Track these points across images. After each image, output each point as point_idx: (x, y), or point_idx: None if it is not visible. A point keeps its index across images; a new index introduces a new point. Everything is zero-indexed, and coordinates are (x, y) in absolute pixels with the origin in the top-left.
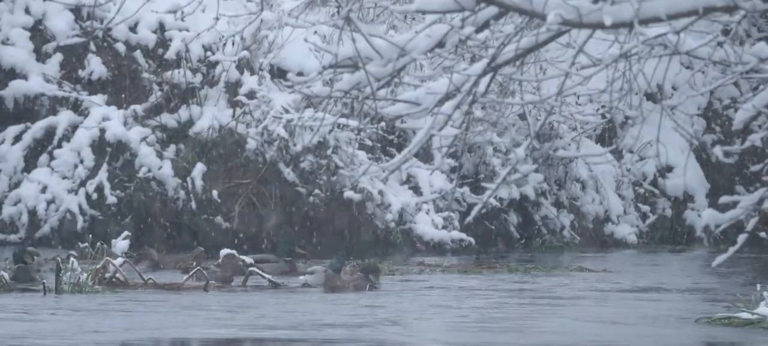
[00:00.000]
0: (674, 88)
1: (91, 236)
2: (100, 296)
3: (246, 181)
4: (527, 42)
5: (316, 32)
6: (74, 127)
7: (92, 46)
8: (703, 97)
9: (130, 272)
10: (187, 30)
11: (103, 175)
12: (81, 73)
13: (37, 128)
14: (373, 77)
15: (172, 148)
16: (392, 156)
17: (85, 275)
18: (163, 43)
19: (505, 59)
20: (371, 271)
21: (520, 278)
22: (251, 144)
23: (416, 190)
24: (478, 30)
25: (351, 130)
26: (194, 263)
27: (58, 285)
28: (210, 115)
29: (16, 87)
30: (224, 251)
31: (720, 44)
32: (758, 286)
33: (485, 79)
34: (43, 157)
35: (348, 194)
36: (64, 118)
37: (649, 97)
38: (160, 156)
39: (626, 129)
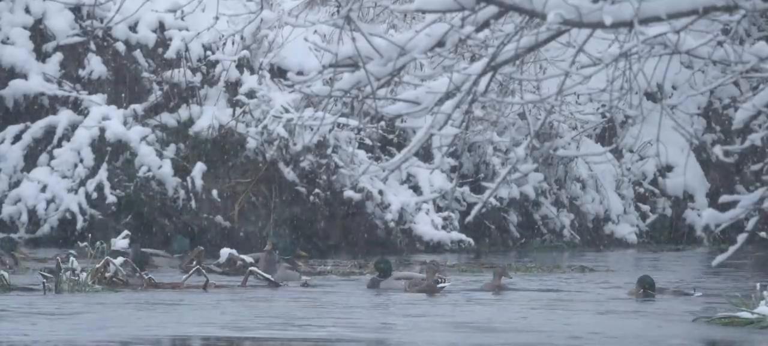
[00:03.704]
0: (674, 88)
1: (90, 235)
2: (100, 295)
3: (246, 180)
4: (527, 41)
5: (316, 32)
6: (74, 127)
7: (92, 46)
8: (703, 97)
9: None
10: (187, 29)
11: (103, 174)
12: (81, 72)
13: (37, 128)
14: (373, 76)
15: (172, 147)
16: (392, 155)
17: (85, 274)
18: (163, 42)
19: (505, 58)
20: (436, 270)
21: (520, 277)
22: (251, 143)
23: (416, 189)
24: (478, 29)
25: (351, 129)
26: (194, 263)
27: (58, 284)
28: (210, 115)
29: (16, 86)
30: (224, 251)
31: (720, 43)
32: (758, 286)
33: (485, 79)
34: (43, 157)
35: (348, 193)
36: (64, 117)
37: (649, 96)
38: (160, 155)
39: (626, 128)
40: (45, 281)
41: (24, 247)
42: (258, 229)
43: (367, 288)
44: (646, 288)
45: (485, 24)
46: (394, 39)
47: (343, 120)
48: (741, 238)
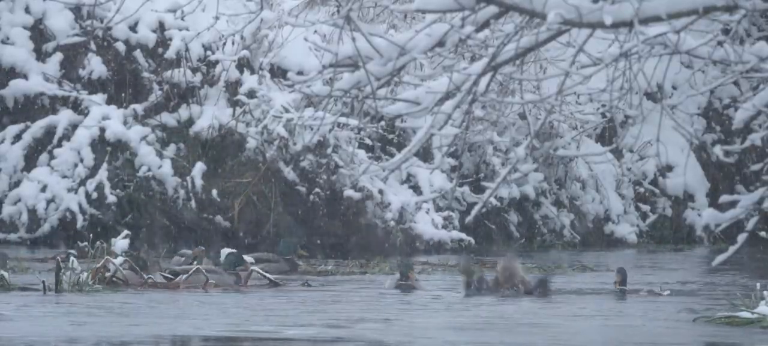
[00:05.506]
0: (674, 88)
1: (91, 235)
2: (100, 295)
3: (246, 180)
4: (527, 41)
5: (316, 31)
6: (74, 127)
7: (92, 46)
8: (703, 97)
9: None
10: (187, 29)
11: (103, 174)
12: (81, 72)
13: (37, 127)
14: (373, 76)
15: (172, 147)
16: (392, 155)
17: (85, 274)
18: (163, 42)
19: (505, 58)
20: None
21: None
22: (251, 143)
23: (416, 189)
24: (478, 29)
25: (351, 129)
26: (194, 263)
27: (58, 284)
28: (210, 115)
29: (16, 86)
30: (225, 251)
31: (720, 43)
32: (758, 285)
33: (485, 79)
34: (43, 157)
35: (348, 193)
36: (64, 117)
37: (649, 96)
38: (160, 155)
39: (626, 128)
40: (44, 280)
41: (22, 247)
42: (258, 228)
43: (386, 288)
44: (623, 279)
45: (485, 24)
46: (394, 39)
47: (343, 120)
48: (741, 238)
